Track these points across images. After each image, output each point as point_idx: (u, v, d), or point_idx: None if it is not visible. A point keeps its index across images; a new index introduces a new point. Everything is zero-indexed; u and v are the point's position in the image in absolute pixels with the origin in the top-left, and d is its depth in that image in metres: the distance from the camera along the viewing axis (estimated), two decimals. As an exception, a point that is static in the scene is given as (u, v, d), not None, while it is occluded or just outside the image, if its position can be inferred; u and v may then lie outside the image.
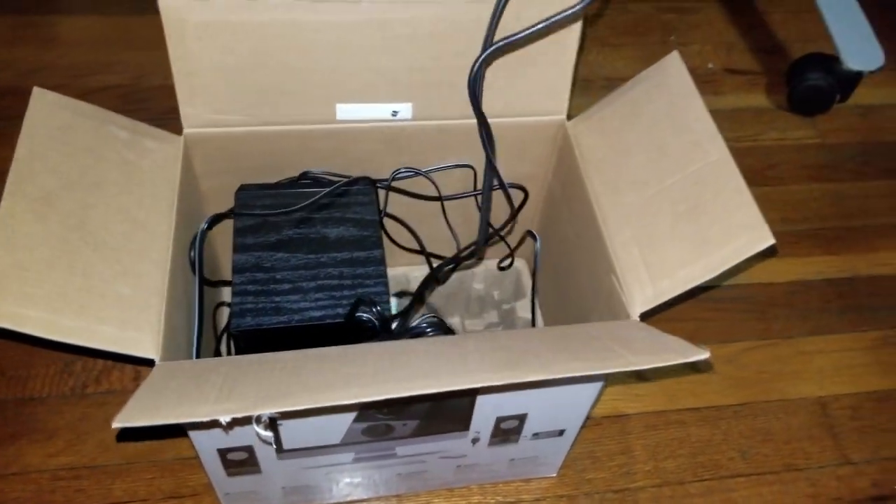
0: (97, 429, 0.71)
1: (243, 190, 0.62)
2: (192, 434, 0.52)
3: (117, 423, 0.40)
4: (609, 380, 0.62)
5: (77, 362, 0.76)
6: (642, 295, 0.56)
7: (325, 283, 0.56)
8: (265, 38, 0.57)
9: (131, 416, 0.41)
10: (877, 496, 0.74)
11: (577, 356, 0.46)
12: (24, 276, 0.47)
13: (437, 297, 0.80)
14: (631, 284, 0.57)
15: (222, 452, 0.55)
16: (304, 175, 0.64)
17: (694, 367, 0.82)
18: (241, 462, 0.57)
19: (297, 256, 0.57)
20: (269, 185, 0.63)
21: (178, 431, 0.69)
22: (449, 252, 0.73)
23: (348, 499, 0.69)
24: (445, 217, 0.73)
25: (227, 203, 0.64)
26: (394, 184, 0.68)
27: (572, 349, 0.48)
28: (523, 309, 0.81)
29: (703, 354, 0.45)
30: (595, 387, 0.57)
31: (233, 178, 0.63)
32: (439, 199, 0.70)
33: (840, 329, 0.87)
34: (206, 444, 0.53)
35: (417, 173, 0.67)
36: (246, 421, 0.44)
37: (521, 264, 0.83)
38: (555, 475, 0.73)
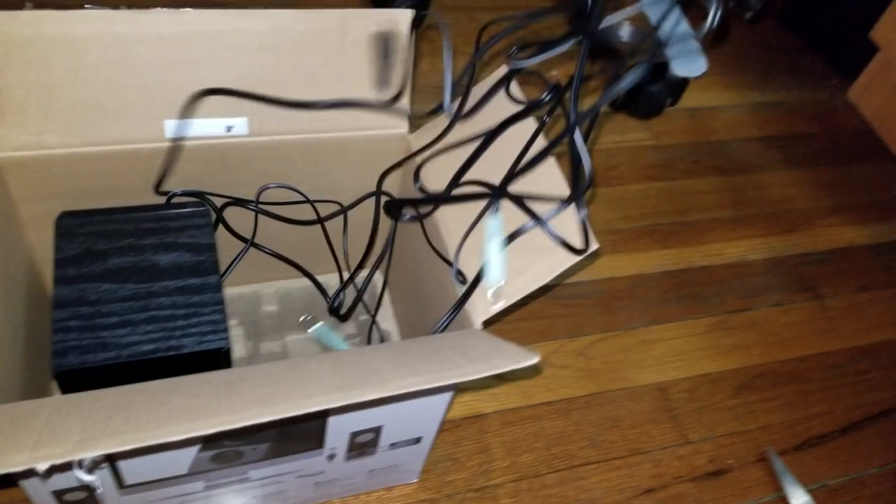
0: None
1: (65, 217, 0.58)
2: (21, 480, 0.48)
3: None
4: (461, 386, 0.64)
5: None
6: (484, 303, 0.58)
7: (157, 314, 0.54)
8: (83, 52, 0.54)
9: None
10: (713, 471, 0.81)
11: (416, 371, 0.47)
12: None
13: (289, 311, 0.79)
14: (474, 293, 0.58)
15: (58, 495, 0.52)
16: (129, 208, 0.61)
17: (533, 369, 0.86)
18: (79, 502, 0.54)
19: (125, 287, 0.54)
20: (94, 212, 0.59)
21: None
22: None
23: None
24: (328, 240, 0.71)
25: (51, 231, 0.60)
26: (238, 204, 0.66)
27: (414, 363, 0.49)
28: (381, 320, 0.82)
29: (533, 359, 0.47)
30: (444, 396, 0.58)
31: (56, 204, 0.59)
32: (319, 221, 0.70)
33: (677, 317, 0.94)
34: (39, 489, 0.50)
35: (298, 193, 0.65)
36: (67, 467, 0.42)
37: (378, 277, 0.83)
38: (416, 480, 0.74)
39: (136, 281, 0.55)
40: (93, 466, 0.41)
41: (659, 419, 0.83)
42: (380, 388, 0.44)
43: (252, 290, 0.78)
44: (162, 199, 0.63)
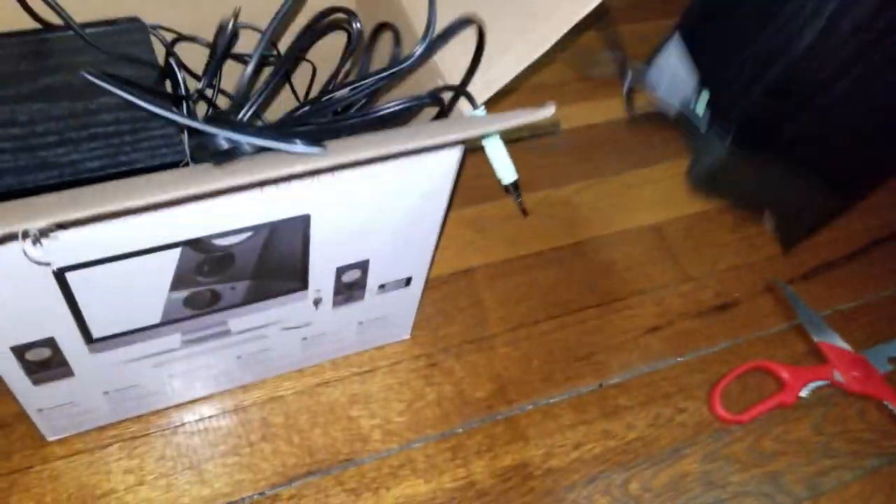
0: None
1: None
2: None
3: None
4: (449, 220, 0.60)
5: None
6: (473, 90, 0.52)
7: (100, 130, 0.48)
8: None
9: None
10: (720, 305, 0.78)
11: (418, 133, 0.42)
12: None
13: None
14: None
15: (18, 352, 0.47)
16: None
17: (547, 132, 0.82)
18: (44, 362, 0.49)
19: (60, 106, 0.48)
20: (18, 33, 0.52)
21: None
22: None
23: (187, 398, 0.63)
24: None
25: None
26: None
27: (405, 136, 0.44)
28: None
29: (549, 109, 0.43)
30: (441, 196, 0.52)
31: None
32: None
33: (663, 159, 0.90)
34: (-4, 343, 0.45)
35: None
36: (9, 238, 0.36)
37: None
38: (408, 337, 0.70)
39: (71, 99, 0.49)
40: (38, 238, 0.36)
41: (657, 259, 0.80)
42: (376, 147, 0.39)
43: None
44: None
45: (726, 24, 0.77)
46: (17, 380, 0.49)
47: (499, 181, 0.57)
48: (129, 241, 0.43)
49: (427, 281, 0.64)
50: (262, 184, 0.43)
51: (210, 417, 0.63)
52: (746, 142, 0.76)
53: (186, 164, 0.48)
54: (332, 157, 0.39)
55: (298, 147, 0.39)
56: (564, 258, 0.79)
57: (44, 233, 0.36)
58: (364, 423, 0.65)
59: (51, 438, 0.59)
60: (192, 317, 0.51)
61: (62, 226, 0.36)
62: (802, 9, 0.67)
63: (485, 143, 0.53)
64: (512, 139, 0.78)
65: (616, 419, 0.69)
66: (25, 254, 0.38)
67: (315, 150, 0.39)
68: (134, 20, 0.56)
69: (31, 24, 0.54)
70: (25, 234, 0.34)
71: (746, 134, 0.76)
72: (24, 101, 0.48)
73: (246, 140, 0.40)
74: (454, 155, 0.50)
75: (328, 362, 0.67)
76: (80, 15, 0.54)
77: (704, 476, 0.66)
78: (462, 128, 0.44)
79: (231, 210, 0.44)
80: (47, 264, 0.41)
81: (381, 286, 0.59)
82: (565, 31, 0.46)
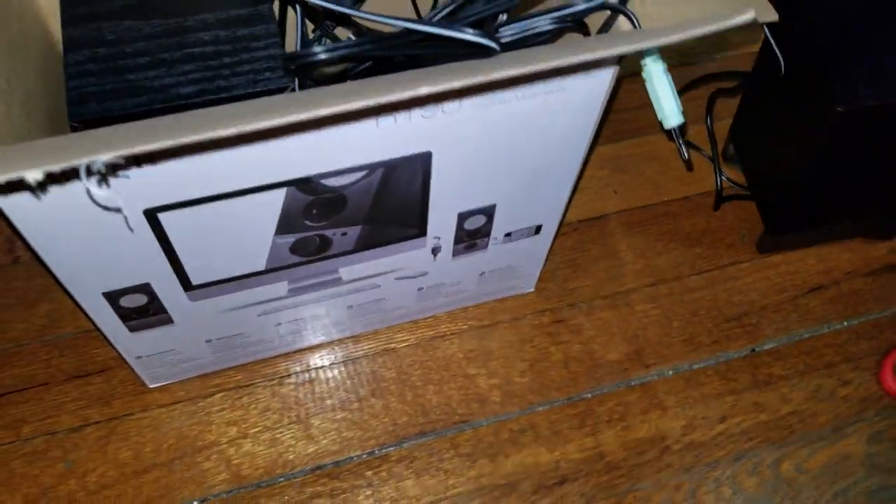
0: (-31, 313, 0.58)
1: None
2: (63, 275, 0.38)
3: None
4: (582, 181, 0.51)
5: (-69, 240, 0.61)
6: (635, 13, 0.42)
7: (196, 51, 0.41)
8: None
9: None
10: (894, 263, 0.66)
11: (574, 49, 0.33)
12: None
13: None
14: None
15: (112, 298, 0.42)
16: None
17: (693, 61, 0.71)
18: (140, 309, 0.44)
19: (151, 23, 0.42)
20: None
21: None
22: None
23: (294, 347, 0.58)
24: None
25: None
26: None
27: (561, 50, 0.35)
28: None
29: (747, 15, 0.33)
30: (585, 128, 0.43)
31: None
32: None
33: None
34: (87, 288, 0.40)
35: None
36: (71, 176, 0.30)
37: None
38: (532, 290, 0.62)
39: (164, 15, 0.42)
40: (107, 174, 0.30)
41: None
42: (520, 65, 0.31)
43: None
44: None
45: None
46: (113, 327, 0.45)
47: (659, 122, 0.46)
48: (228, 180, 0.37)
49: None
50: (380, 111, 0.35)
51: (318, 369, 0.58)
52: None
53: (293, 90, 0.41)
54: (504, 63, 0.31)
55: (469, 34, 0.31)
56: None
57: (112, 169, 0.29)
58: (482, 382, 0.58)
59: (151, 386, 0.55)
60: (299, 264, 0.45)
61: (136, 160, 0.30)
62: None
63: (647, 71, 0.43)
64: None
65: (769, 390, 0.59)
66: (89, 194, 0.32)
67: (491, 43, 0.31)
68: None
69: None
70: (89, 171, 0.28)
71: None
72: (113, 17, 0.42)
73: (414, 27, 0.33)
74: (607, 77, 0.40)
75: (445, 314, 0.60)
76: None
77: (869, 459, 0.57)
78: (629, 40, 0.35)
79: (343, 146, 0.37)
80: (117, 209, 0.35)
81: (508, 234, 0.52)
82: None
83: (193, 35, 0.42)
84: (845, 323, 0.63)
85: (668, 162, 0.70)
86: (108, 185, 0.32)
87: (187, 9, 0.43)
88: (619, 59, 0.39)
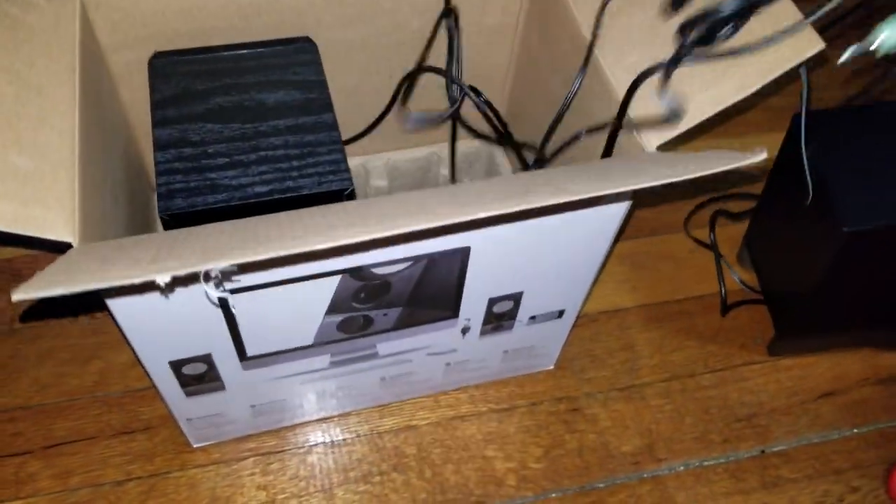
0: (30, 366, 0.62)
1: (160, 57, 0.52)
2: (138, 346, 0.43)
3: (19, 296, 0.31)
4: (600, 275, 0.55)
5: (1, 296, 0.66)
6: (658, 127, 0.46)
7: (268, 154, 0.47)
8: None
9: (39, 286, 0.31)
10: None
11: (602, 177, 0.38)
12: None
13: (399, 190, 0.71)
14: (642, 118, 0.47)
15: (176, 366, 0.47)
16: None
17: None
18: (199, 377, 0.49)
19: (230, 127, 0.48)
20: (190, 51, 0.53)
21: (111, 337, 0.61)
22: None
23: (323, 414, 0.61)
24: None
25: (139, 80, 0.54)
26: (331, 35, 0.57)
27: (593, 174, 0.40)
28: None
29: (759, 156, 0.38)
30: (607, 237, 0.49)
31: (147, 52, 0.53)
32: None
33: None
34: (156, 357, 0.45)
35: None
36: (192, 280, 0.35)
37: (489, 146, 0.73)
38: (552, 367, 0.66)
39: (241, 121, 0.48)
40: (221, 281, 0.35)
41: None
42: (562, 193, 0.36)
43: (357, 162, 0.70)
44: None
45: None
46: (172, 391, 0.49)
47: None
48: (295, 270, 0.42)
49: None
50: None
51: (344, 440, 0.61)
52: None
53: (351, 192, 0.46)
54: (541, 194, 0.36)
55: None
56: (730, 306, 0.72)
57: (226, 275, 0.34)
58: (499, 465, 0.61)
59: (195, 446, 0.59)
60: (343, 339, 0.50)
61: (244, 268, 0.35)
62: None
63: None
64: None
65: (778, 492, 0.61)
66: (207, 295, 0.37)
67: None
68: (306, 40, 0.55)
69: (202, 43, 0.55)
70: (207, 277, 0.33)
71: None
72: (196, 120, 0.48)
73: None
74: (626, 202, 0.46)
75: (466, 395, 0.64)
76: (250, 33, 0.54)
77: (877, 569, 0.58)
78: (654, 174, 0.39)
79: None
80: (222, 305, 0.40)
81: (532, 317, 0.56)
82: (775, 76, 0.41)
83: (266, 139, 0.48)
84: (855, 430, 0.65)
85: (685, 261, 0.74)
86: (223, 288, 0.37)
87: (261, 115, 0.49)
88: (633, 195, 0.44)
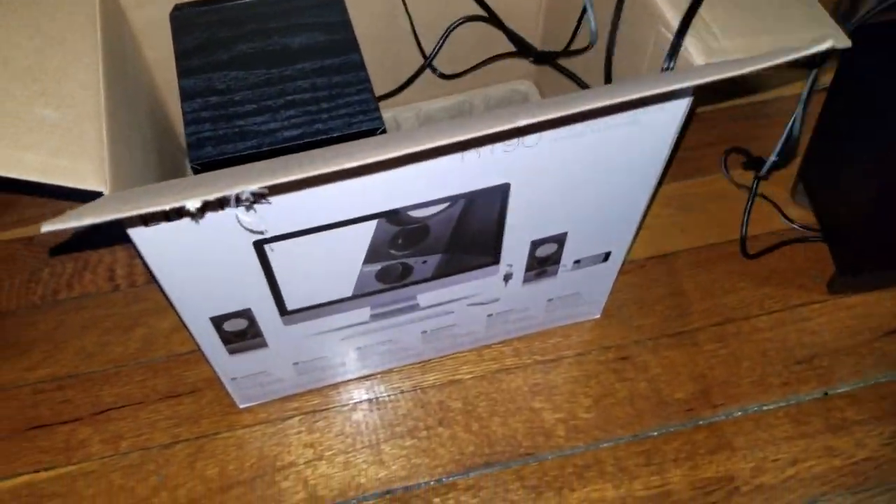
0: (74, 336, 0.63)
1: (179, 9, 0.51)
2: (175, 297, 0.43)
3: (48, 227, 0.30)
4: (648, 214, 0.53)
5: (43, 269, 0.67)
6: (707, 49, 0.43)
7: (296, 97, 0.45)
8: None
9: (68, 218, 0.31)
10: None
11: (649, 83, 0.35)
12: None
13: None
14: (691, 43, 0.43)
15: (217, 322, 0.46)
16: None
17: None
18: (241, 333, 0.48)
19: (255, 73, 0.47)
20: (210, 0, 0.52)
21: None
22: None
23: (366, 372, 0.60)
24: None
25: (161, 38, 0.52)
26: None
27: (645, 82, 0.37)
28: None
29: (824, 44, 0.34)
30: (657, 159, 0.45)
31: (168, 8, 0.52)
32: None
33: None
34: (196, 313, 0.45)
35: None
36: (223, 203, 0.34)
37: (525, 86, 0.70)
38: (598, 316, 0.64)
39: (266, 66, 0.47)
40: (252, 202, 0.34)
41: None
42: (604, 96, 0.33)
43: (388, 115, 0.67)
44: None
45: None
46: (214, 350, 0.49)
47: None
48: (329, 213, 0.40)
49: (622, 262, 0.57)
50: (467, 145, 0.38)
51: (389, 396, 0.60)
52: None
53: (383, 132, 0.44)
54: (589, 96, 0.33)
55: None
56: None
57: (257, 197, 0.33)
58: (547, 416, 0.59)
59: (241, 406, 0.59)
60: (383, 290, 0.49)
61: (274, 190, 0.33)
62: None
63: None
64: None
65: (843, 434, 0.58)
66: (238, 220, 0.36)
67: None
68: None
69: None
70: (239, 199, 0.32)
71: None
72: (221, 68, 0.47)
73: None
74: (680, 109, 0.42)
75: (509, 348, 0.62)
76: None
77: (952, 510, 0.55)
78: (704, 73, 0.36)
79: (430, 179, 0.41)
80: (261, 233, 0.39)
81: (577, 262, 0.53)
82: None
83: (293, 83, 0.46)
84: (924, 368, 0.62)
85: (735, 201, 0.71)
86: (255, 210, 0.36)
87: (286, 59, 0.48)
88: (693, 92, 0.41)
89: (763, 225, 0.69)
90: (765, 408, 0.60)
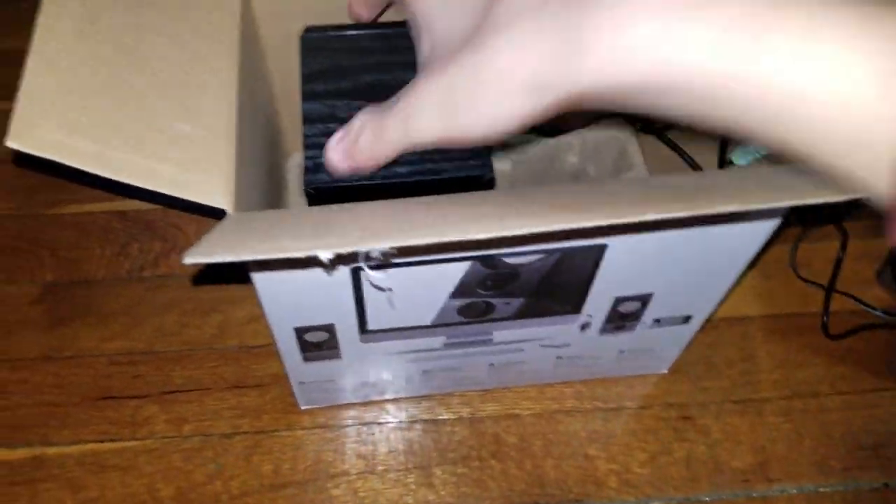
0: (155, 313, 0.65)
1: (311, 31, 0.52)
2: (270, 312, 0.44)
3: (189, 260, 0.32)
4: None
5: (133, 244, 0.69)
6: None
7: None
8: None
9: (208, 252, 0.32)
10: None
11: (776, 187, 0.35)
12: (69, 101, 0.39)
13: (522, 175, 0.69)
14: None
15: (300, 332, 0.47)
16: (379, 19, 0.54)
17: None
18: (319, 345, 0.49)
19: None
20: (340, 27, 0.53)
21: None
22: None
23: (426, 392, 0.61)
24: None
25: (287, 51, 0.54)
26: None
27: (762, 181, 0.37)
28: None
29: None
30: (748, 251, 0.46)
31: (296, 26, 0.54)
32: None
33: None
34: (284, 323, 0.46)
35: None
36: (351, 259, 0.36)
37: (624, 135, 0.70)
38: (665, 371, 0.63)
39: (387, 98, 0.48)
40: (379, 265, 0.35)
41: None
42: (738, 201, 0.34)
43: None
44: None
45: None
46: (292, 356, 0.50)
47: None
48: (430, 251, 0.41)
49: (699, 324, 0.57)
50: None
51: (445, 420, 0.61)
52: None
53: (491, 179, 0.45)
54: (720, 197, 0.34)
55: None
56: (862, 325, 0.67)
57: (387, 257, 0.34)
58: (601, 465, 0.59)
59: (303, 408, 0.60)
60: (462, 324, 0.49)
61: (402, 251, 0.34)
62: None
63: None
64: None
65: (900, 531, 0.57)
66: (366, 275, 0.38)
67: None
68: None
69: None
70: (367, 257, 0.34)
71: None
72: (343, 96, 0.48)
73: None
74: (775, 220, 0.43)
75: (571, 389, 0.62)
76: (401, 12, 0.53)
77: None
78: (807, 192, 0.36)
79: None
80: (354, 281, 0.40)
81: (657, 320, 0.53)
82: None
83: None
84: None
85: (819, 273, 0.69)
86: (384, 271, 0.38)
87: None
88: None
89: (843, 302, 0.68)
90: (821, 489, 0.59)
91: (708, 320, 0.66)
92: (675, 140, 0.62)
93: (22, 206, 0.71)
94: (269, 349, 0.63)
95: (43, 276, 0.67)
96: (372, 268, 0.36)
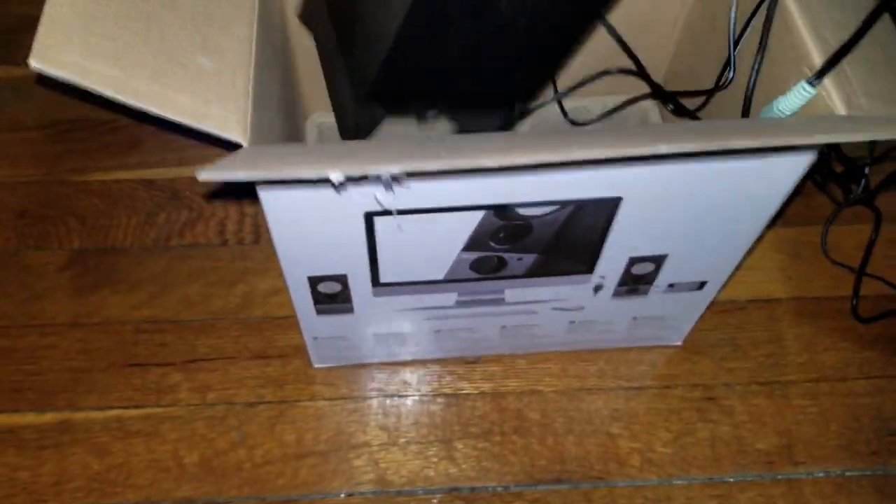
0: (180, 283, 0.66)
1: None
2: (283, 253, 0.44)
3: (204, 176, 0.32)
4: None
5: (160, 213, 0.69)
6: (847, 100, 0.42)
7: None
8: None
9: (222, 170, 0.33)
10: None
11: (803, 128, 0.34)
12: (91, 28, 0.39)
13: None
14: (833, 89, 0.42)
15: (313, 282, 0.48)
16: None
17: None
18: (332, 296, 0.50)
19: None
20: None
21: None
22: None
23: (440, 355, 0.61)
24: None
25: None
26: None
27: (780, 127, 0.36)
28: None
29: None
30: (771, 203, 0.45)
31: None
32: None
33: None
34: (297, 270, 0.47)
35: None
36: (361, 180, 0.36)
37: (648, 104, 0.68)
38: (679, 343, 0.62)
39: None
40: (390, 185, 0.36)
41: None
42: (753, 137, 0.33)
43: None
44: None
45: None
46: (305, 307, 0.50)
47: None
48: (443, 197, 0.41)
49: (716, 299, 0.56)
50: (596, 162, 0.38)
51: (467, 395, 0.61)
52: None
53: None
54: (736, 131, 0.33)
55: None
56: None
57: (396, 179, 0.34)
58: (623, 443, 0.59)
59: (316, 366, 0.61)
60: (474, 279, 0.49)
61: (413, 174, 0.34)
62: None
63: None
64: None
65: (927, 517, 0.56)
66: (376, 198, 0.38)
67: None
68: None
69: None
70: (380, 178, 0.34)
71: None
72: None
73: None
74: (807, 159, 0.42)
75: (594, 367, 0.62)
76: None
77: None
78: (851, 129, 0.35)
79: (546, 182, 0.41)
80: (390, 212, 0.40)
81: (671, 285, 0.53)
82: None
83: None
84: None
85: (849, 255, 0.68)
86: (393, 192, 0.38)
87: None
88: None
89: (874, 285, 0.66)
90: (848, 473, 0.58)
91: (733, 301, 0.66)
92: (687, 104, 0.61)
93: (50, 173, 0.71)
94: (293, 321, 0.63)
95: (70, 243, 0.67)
96: (380, 212, 0.36)
